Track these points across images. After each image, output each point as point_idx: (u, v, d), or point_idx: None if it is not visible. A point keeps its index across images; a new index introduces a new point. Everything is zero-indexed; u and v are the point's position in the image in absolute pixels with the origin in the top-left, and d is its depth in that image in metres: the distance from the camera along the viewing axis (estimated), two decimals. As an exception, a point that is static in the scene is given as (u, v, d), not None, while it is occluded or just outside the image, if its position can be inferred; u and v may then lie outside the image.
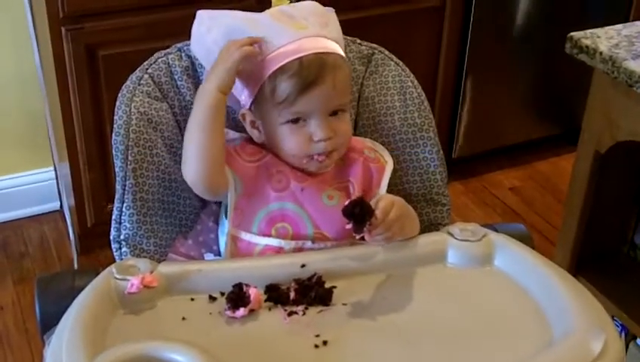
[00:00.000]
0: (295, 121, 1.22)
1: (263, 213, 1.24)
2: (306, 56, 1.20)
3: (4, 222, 2.60)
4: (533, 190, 2.87)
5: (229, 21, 1.24)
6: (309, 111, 1.21)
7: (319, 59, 1.21)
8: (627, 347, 1.87)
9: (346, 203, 1.14)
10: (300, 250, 1.24)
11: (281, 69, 1.20)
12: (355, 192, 1.28)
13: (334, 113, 1.23)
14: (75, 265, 2.39)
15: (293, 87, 1.20)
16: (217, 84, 1.20)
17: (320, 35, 1.24)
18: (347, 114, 1.27)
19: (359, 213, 1.13)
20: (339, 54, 1.25)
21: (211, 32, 1.25)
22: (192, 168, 1.22)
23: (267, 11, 1.27)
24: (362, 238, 1.18)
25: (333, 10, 1.31)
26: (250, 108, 1.27)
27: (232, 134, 1.32)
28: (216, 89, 1.20)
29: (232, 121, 1.34)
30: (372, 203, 1.16)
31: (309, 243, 1.24)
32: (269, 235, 1.24)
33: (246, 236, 1.24)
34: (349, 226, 1.14)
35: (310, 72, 1.20)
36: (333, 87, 1.21)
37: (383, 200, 1.18)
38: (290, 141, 1.23)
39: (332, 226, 1.25)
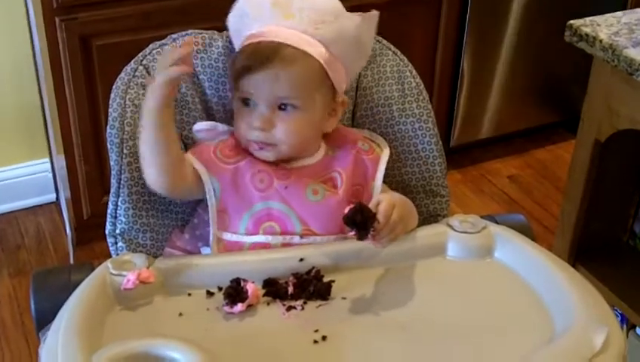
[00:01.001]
0: (245, 102, 1.23)
1: (249, 214, 1.23)
2: (265, 42, 1.21)
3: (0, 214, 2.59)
4: (531, 178, 2.86)
5: (241, 4, 1.26)
6: (253, 95, 1.21)
7: (275, 47, 1.20)
8: (627, 336, 1.86)
9: (346, 211, 1.11)
10: (288, 244, 1.23)
11: (242, 49, 1.23)
12: (343, 183, 1.26)
13: (283, 108, 1.22)
14: (71, 257, 2.38)
15: (242, 66, 1.21)
16: (153, 104, 1.15)
17: (299, 28, 1.22)
18: (302, 113, 1.22)
19: (361, 221, 1.10)
20: (303, 50, 1.21)
21: (232, 13, 1.27)
22: (151, 175, 1.20)
23: None
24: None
25: (377, 13, 1.26)
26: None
27: (222, 127, 1.30)
28: (154, 109, 1.15)
29: (225, 113, 1.33)
30: (372, 205, 1.13)
31: (297, 238, 1.23)
32: (257, 234, 1.23)
33: (233, 237, 1.23)
34: (351, 234, 1.11)
35: (259, 56, 1.20)
36: (277, 78, 1.20)
37: (383, 202, 1.14)
38: (237, 120, 1.25)
39: (319, 222, 1.23)
